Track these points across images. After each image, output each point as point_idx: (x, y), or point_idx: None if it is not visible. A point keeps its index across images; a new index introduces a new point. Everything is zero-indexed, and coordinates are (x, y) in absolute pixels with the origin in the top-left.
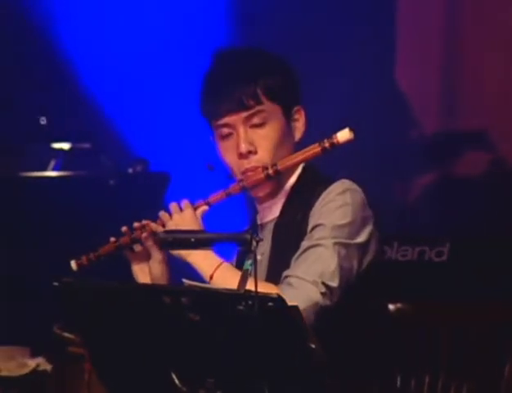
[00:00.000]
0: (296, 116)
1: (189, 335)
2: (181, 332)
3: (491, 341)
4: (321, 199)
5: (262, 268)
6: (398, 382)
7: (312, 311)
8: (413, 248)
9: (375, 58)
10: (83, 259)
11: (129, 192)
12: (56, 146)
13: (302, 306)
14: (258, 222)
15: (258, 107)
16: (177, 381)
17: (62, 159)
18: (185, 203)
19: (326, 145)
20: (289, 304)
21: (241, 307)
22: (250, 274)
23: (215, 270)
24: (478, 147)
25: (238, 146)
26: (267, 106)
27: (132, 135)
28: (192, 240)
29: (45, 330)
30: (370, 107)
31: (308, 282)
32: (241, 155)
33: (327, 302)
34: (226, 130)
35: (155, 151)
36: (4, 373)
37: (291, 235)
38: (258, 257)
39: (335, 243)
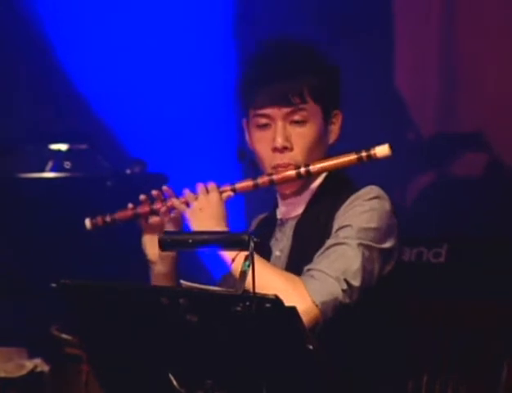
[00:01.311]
0: (334, 119)
1: (187, 336)
2: (179, 333)
3: (488, 342)
4: (348, 202)
5: (280, 265)
6: (396, 382)
7: (331, 305)
8: (411, 249)
9: (373, 60)
10: (98, 219)
11: (127, 193)
12: (54, 147)
13: (321, 298)
14: (279, 216)
15: (302, 106)
16: (174, 383)
17: (60, 160)
18: (212, 186)
19: (363, 155)
20: (307, 298)
21: (239, 308)
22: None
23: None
24: (475, 148)
25: (274, 139)
26: (310, 105)
27: (130, 136)
28: (190, 241)
29: (42, 331)
30: (368, 109)
31: (331, 276)
32: (276, 149)
33: (347, 300)
34: (264, 120)
35: (153, 153)
36: (2, 374)
37: (313, 234)
38: (277, 253)
39: (360, 244)
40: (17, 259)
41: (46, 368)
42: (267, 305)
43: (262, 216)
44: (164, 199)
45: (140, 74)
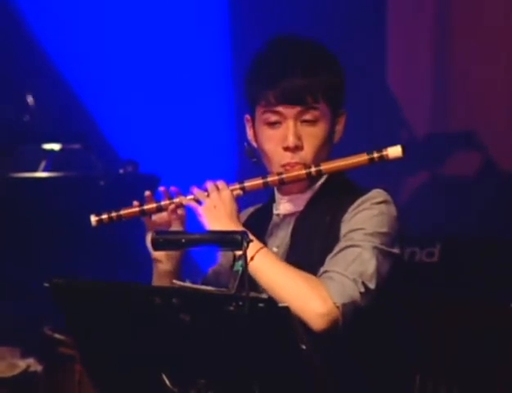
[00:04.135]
0: (340, 119)
1: (180, 335)
2: (171, 332)
3: (479, 342)
4: (355, 205)
5: None
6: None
7: (351, 308)
8: (404, 249)
9: (366, 60)
10: (104, 216)
11: (119, 193)
12: (47, 146)
13: (342, 300)
14: (276, 211)
15: (314, 105)
16: (167, 382)
17: (53, 159)
18: (222, 184)
19: (375, 156)
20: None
21: (232, 308)
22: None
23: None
24: (468, 148)
25: (286, 138)
26: (321, 105)
27: (122, 137)
28: (183, 241)
29: (36, 331)
30: (361, 109)
31: (349, 279)
32: (287, 149)
33: (363, 303)
34: (275, 118)
35: (145, 153)
36: None
37: (315, 232)
38: (275, 249)
39: (375, 247)
40: (10, 259)
41: (39, 367)
42: (260, 305)
43: (251, 209)
44: (171, 197)
45: (133, 74)
